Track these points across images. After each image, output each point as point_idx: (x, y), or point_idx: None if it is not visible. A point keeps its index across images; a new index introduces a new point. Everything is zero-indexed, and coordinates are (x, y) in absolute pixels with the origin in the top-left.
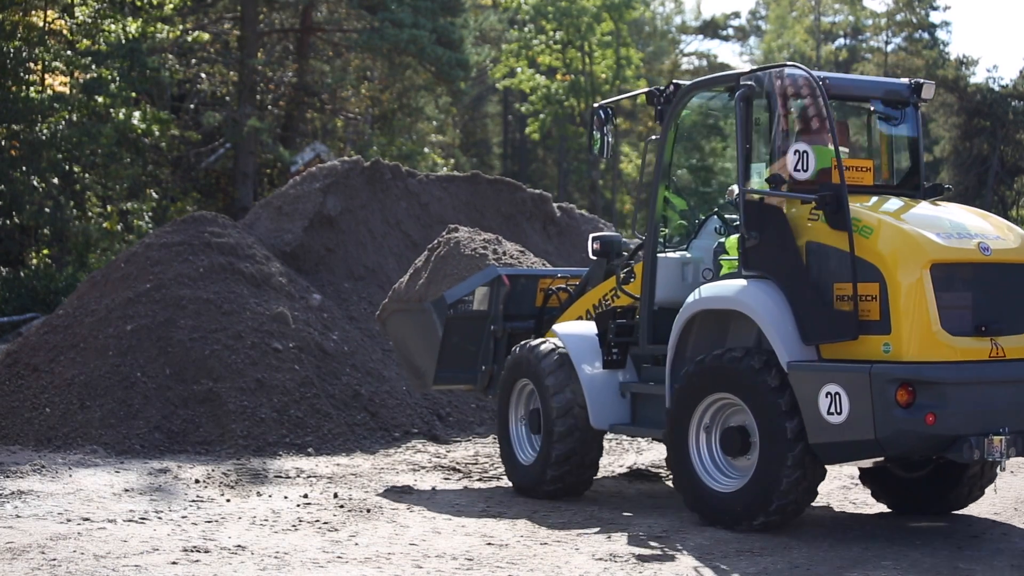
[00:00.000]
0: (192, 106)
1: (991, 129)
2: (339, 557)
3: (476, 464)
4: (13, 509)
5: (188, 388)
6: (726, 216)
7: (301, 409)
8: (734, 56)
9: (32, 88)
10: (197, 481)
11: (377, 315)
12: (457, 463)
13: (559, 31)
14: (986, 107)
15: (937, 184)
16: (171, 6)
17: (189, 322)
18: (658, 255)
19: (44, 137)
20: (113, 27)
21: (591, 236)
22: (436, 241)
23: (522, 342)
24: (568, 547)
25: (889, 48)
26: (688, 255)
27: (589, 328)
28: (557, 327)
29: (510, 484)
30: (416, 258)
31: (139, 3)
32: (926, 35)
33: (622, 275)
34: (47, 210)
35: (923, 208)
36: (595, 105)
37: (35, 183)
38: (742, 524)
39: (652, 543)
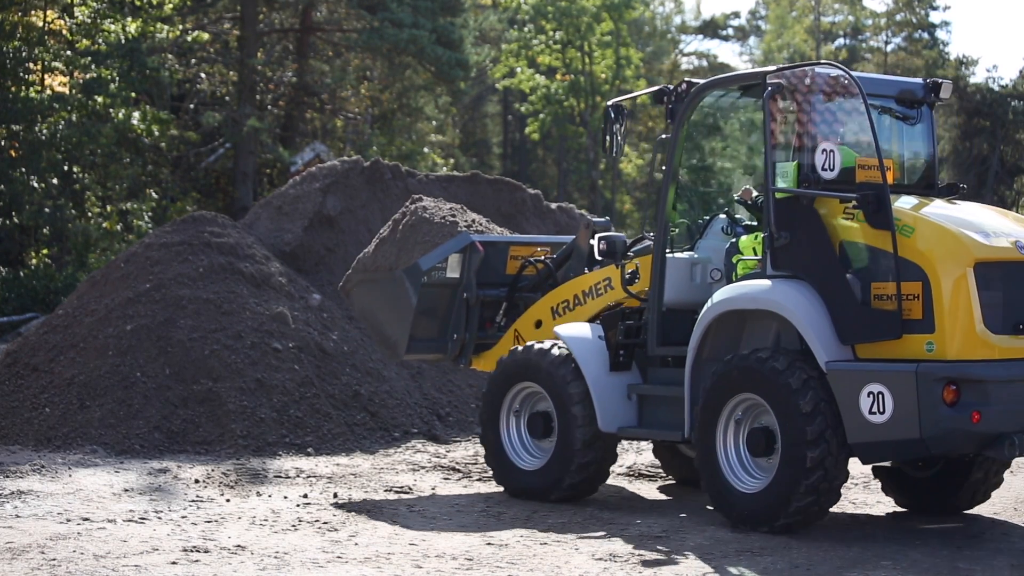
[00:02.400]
0: (192, 106)
1: (991, 129)
2: (339, 557)
3: (476, 464)
4: (13, 509)
5: (188, 388)
6: (735, 216)
7: (301, 409)
8: (734, 56)
9: (32, 88)
10: (197, 481)
11: (341, 286)
12: (457, 463)
13: (559, 31)
14: (986, 107)
15: (952, 183)
16: (171, 6)
17: (189, 322)
18: (667, 256)
19: (44, 137)
20: (113, 27)
21: (598, 236)
22: (401, 211)
23: (525, 344)
24: (568, 547)
25: (889, 48)
26: (696, 255)
27: (594, 330)
28: (560, 329)
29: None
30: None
31: (139, 3)
32: (926, 35)
33: (627, 276)
34: (47, 210)
35: (953, 208)
36: (608, 104)
37: (35, 183)
38: (765, 525)
39: (652, 543)
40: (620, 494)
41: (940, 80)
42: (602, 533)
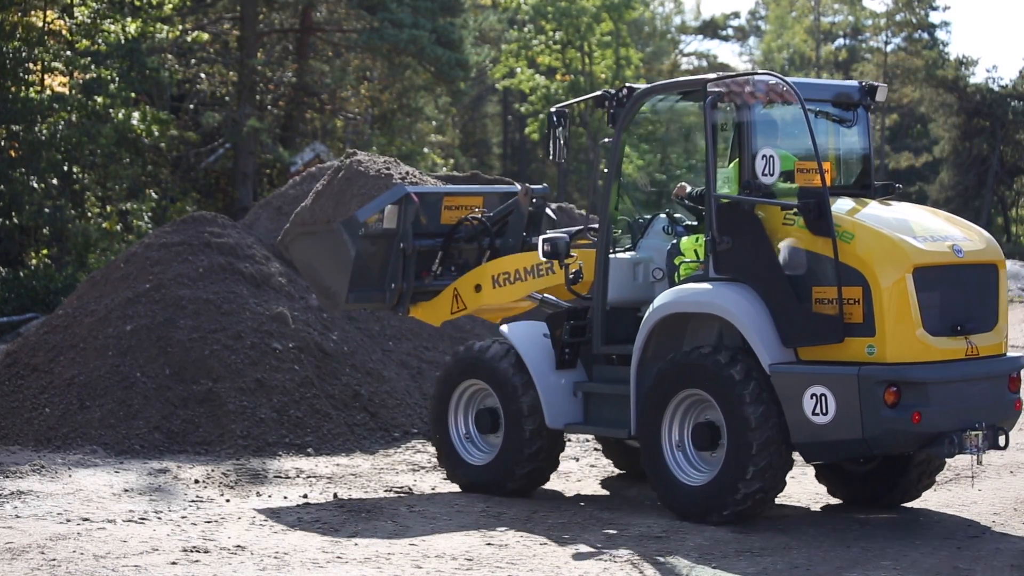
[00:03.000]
0: (192, 106)
1: (991, 129)
2: (339, 557)
3: None
4: (13, 509)
5: (188, 388)
6: (675, 216)
7: (301, 409)
8: (734, 56)
9: (31, 88)
10: (197, 481)
11: (279, 240)
12: None
13: (559, 31)
14: (986, 107)
15: (887, 183)
16: (170, 6)
17: (189, 322)
18: (609, 256)
19: (43, 137)
20: (112, 27)
21: (541, 238)
22: (336, 166)
23: (466, 344)
24: (568, 547)
25: (889, 48)
26: (638, 255)
27: (539, 329)
28: (506, 329)
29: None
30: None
31: (138, 3)
32: (926, 35)
33: (571, 275)
34: (46, 210)
35: (891, 211)
36: (551, 109)
37: (34, 183)
38: (712, 516)
39: (652, 543)
40: (620, 495)
41: (875, 84)
42: (602, 533)
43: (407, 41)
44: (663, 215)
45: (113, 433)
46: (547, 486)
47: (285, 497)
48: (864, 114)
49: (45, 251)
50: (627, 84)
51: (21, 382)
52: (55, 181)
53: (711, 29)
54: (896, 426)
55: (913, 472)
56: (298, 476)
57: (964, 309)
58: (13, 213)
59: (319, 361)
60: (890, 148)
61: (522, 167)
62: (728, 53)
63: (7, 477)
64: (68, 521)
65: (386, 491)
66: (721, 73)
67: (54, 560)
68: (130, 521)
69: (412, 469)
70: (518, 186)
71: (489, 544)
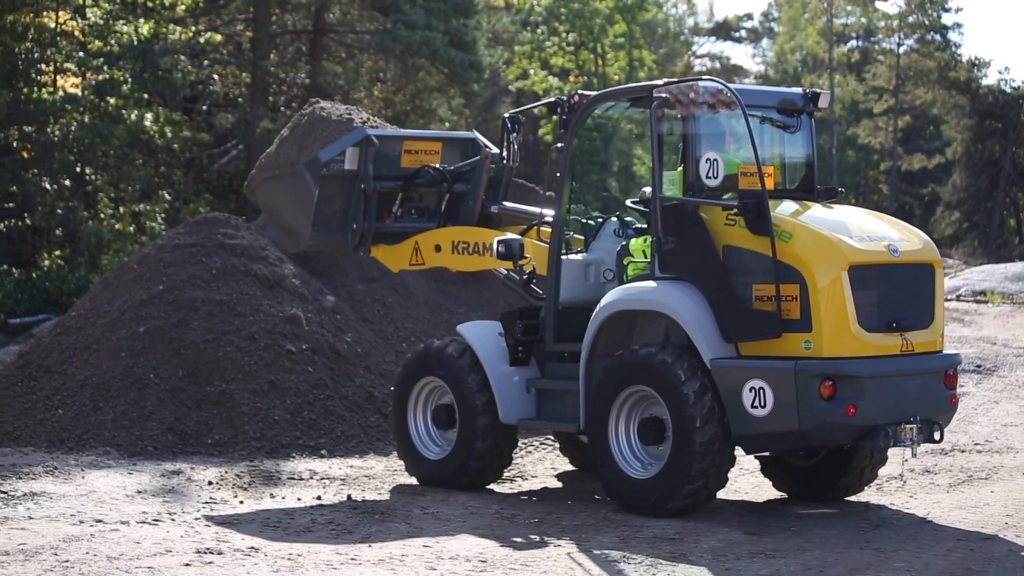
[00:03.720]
0: (205, 107)
1: (1003, 131)
2: (352, 559)
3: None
4: (26, 511)
5: (201, 390)
6: (625, 219)
7: (314, 411)
8: (747, 58)
9: (44, 90)
10: (210, 483)
11: (246, 185)
12: None
13: (572, 33)
14: (998, 109)
15: (831, 187)
16: (183, 7)
17: (202, 324)
18: (561, 257)
19: (56, 139)
20: (125, 28)
21: (496, 240)
22: (299, 114)
23: (425, 342)
24: (582, 549)
25: (901, 50)
26: (589, 256)
27: (494, 328)
28: (462, 328)
29: (524, 488)
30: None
31: (151, 4)
32: (938, 37)
33: (524, 276)
34: (59, 212)
35: (831, 212)
36: (504, 115)
37: (47, 185)
38: (657, 509)
39: (666, 545)
40: None
41: (818, 91)
42: (616, 535)
43: (420, 43)
44: (614, 218)
45: (126, 434)
46: (561, 489)
47: (299, 499)
48: (808, 120)
49: (58, 252)
50: (578, 91)
51: (34, 383)
52: (68, 182)
53: (724, 31)
54: (831, 419)
55: (856, 466)
56: (312, 478)
57: (900, 307)
58: (26, 214)
59: (333, 363)
60: (902, 150)
61: (535, 169)
62: (741, 55)
63: (20, 478)
64: (81, 523)
65: (400, 493)
66: (667, 80)
67: (67, 561)
68: (143, 523)
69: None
70: (477, 134)
71: (503, 546)
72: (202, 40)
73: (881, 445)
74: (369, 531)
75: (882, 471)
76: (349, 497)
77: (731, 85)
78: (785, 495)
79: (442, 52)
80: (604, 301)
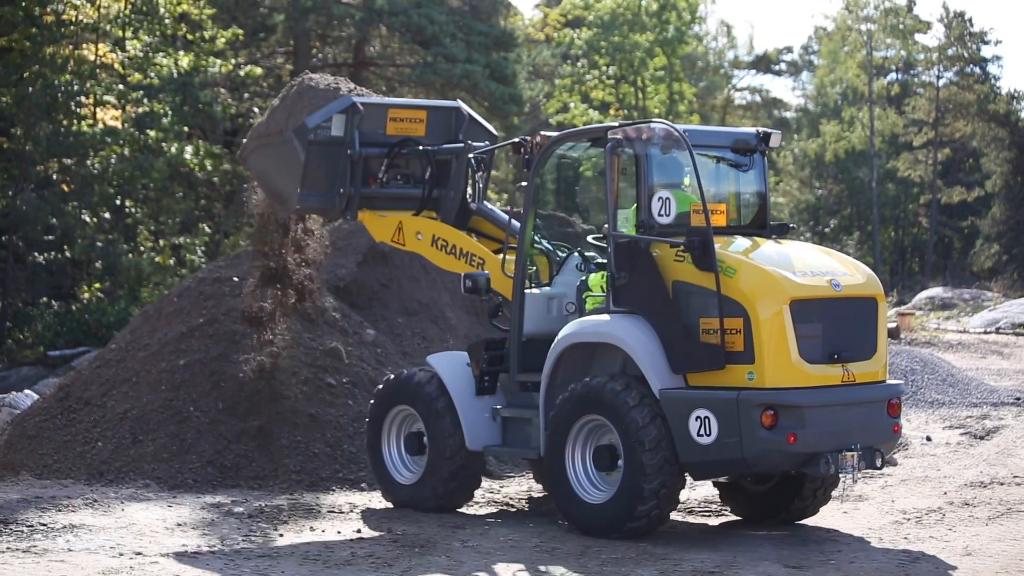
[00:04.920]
0: (245, 140)
1: None
2: None
3: (529, 499)
4: (65, 543)
5: (241, 423)
6: (586, 254)
7: (354, 444)
8: (787, 91)
9: (84, 122)
10: (250, 516)
11: (239, 154)
12: (511, 498)
13: (612, 66)
14: None
15: (783, 223)
16: (223, 40)
17: (242, 357)
18: (525, 291)
19: (96, 171)
20: (165, 61)
21: (463, 275)
22: (288, 85)
23: (396, 372)
24: None
25: (941, 83)
26: (552, 290)
27: (462, 358)
28: (431, 359)
29: (566, 521)
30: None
31: (191, 37)
32: (977, 69)
33: (491, 309)
34: (99, 244)
35: (777, 248)
36: (469, 155)
37: (87, 217)
38: (611, 532)
39: None
40: (673, 529)
41: (770, 131)
42: (655, 568)
43: (460, 76)
44: (576, 253)
45: (166, 467)
46: None
47: (339, 532)
48: (761, 159)
49: (98, 285)
50: (541, 132)
51: (74, 416)
52: (108, 215)
53: (764, 64)
54: (773, 446)
55: (808, 490)
56: (352, 511)
57: (842, 339)
58: (66, 247)
59: (373, 396)
60: (942, 183)
61: (573, 201)
62: (781, 88)
63: (60, 511)
64: (120, 555)
65: (440, 526)
66: (621, 122)
67: None
68: (183, 556)
69: (466, 504)
70: (461, 104)
71: None
72: (242, 73)
73: (822, 471)
74: (409, 564)
75: (923, 504)
76: (389, 530)
77: (683, 126)
78: (739, 518)
79: (482, 85)
80: (561, 334)
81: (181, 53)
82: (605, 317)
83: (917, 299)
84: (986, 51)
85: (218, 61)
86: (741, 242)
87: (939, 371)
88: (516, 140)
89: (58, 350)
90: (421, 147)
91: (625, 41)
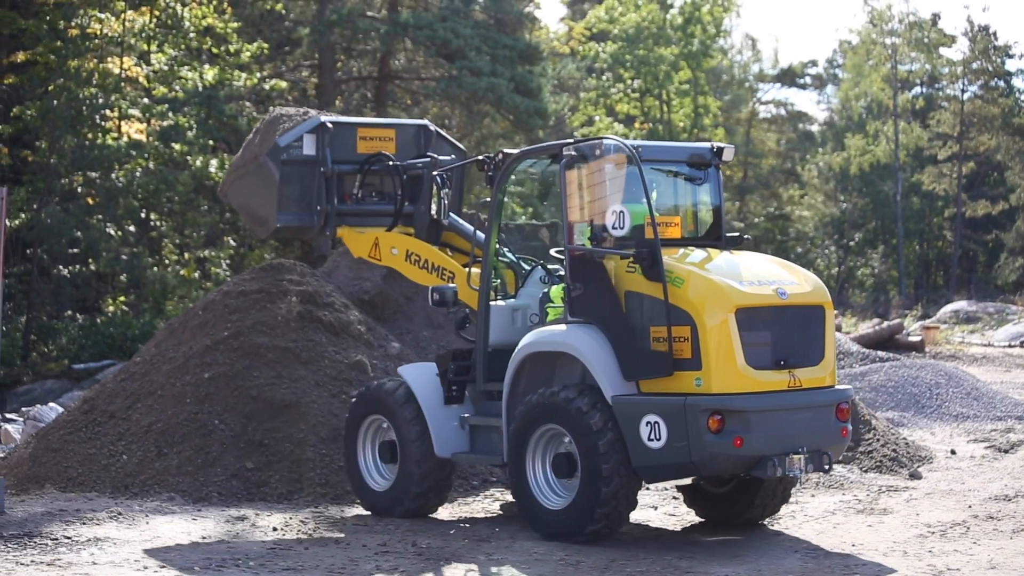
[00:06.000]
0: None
1: None
2: None
3: None
4: (90, 556)
5: (266, 436)
6: (549, 267)
7: None
8: (812, 104)
9: (109, 135)
10: (275, 529)
11: (219, 191)
12: None
13: (637, 79)
14: None
15: (737, 235)
16: (248, 54)
17: (267, 370)
18: (491, 303)
19: (121, 184)
20: (190, 75)
21: (431, 289)
22: (262, 119)
23: (369, 383)
24: None
25: (965, 96)
26: (517, 302)
27: (432, 369)
28: (402, 369)
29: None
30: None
31: (216, 51)
32: (1002, 83)
33: (457, 321)
34: (124, 257)
35: (726, 258)
36: (433, 172)
37: (112, 230)
38: (571, 536)
39: None
40: (699, 543)
41: (723, 145)
42: None
43: (485, 89)
44: (540, 266)
45: (191, 480)
46: (625, 534)
47: (364, 545)
48: (716, 172)
49: (123, 298)
50: (503, 150)
51: (99, 429)
52: (132, 228)
53: (789, 77)
54: (719, 450)
55: (766, 492)
56: (376, 524)
57: (789, 346)
58: (91, 260)
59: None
60: (967, 196)
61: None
62: (806, 101)
63: (85, 524)
64: (145, 568)
65: (465, 539)
66: (575, 139)
67: None
68: (207, 569)
69: (490, 518)
70: (429, 123)
71: None
72: (267, 86)
73: (769, 474)
74: None
75: (948, 517)
76: (414, 543)
77: (638, 143)
78: (703, 520)
79: (507, 99)
80: (521, 344)
81: (206, 66)
82: (562, 327)
83: (942, 313)
84: (1010, 65)
85: (243, 74)
86: (692, 253)
87: (964, 385)
88: (480, 157)
89: (83, 363)
90: (391, 162)
91: (650, 54)
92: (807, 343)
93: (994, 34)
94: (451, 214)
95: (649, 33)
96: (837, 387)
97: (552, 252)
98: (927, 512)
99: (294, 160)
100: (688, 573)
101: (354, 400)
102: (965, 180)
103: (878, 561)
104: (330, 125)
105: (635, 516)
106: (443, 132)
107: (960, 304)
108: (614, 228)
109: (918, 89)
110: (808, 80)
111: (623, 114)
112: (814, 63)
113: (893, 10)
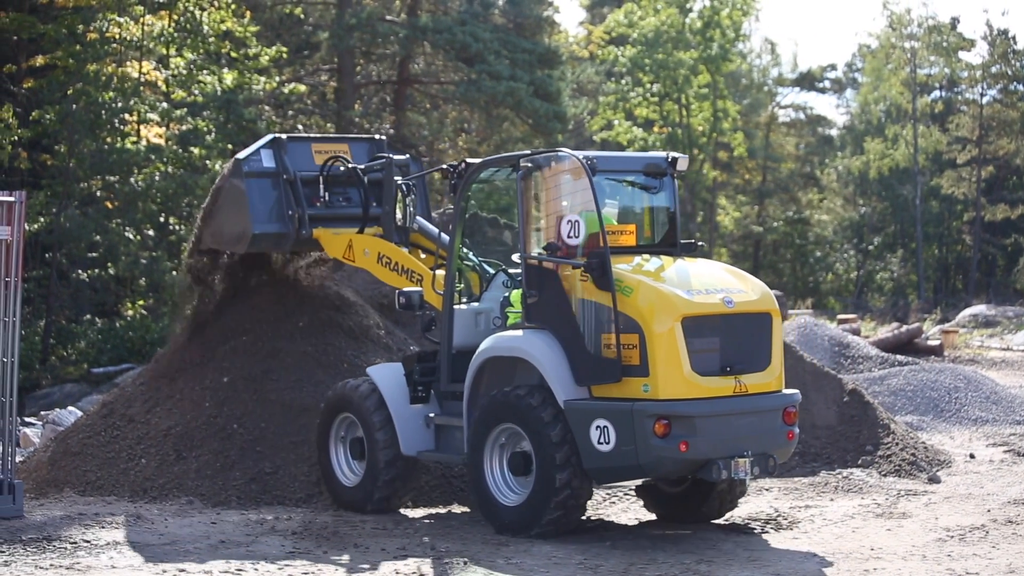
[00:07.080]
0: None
1: None
2: None
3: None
4: (109, 560)
5: (285, 440)
6: (511, 272)
7: None
8: (831, 108)
9: (127, 139)
10: (294, 533)
11: (191, 249)
12: None
13: (656, 83)
14: None
15: (690, 241)
16: (267, 58)
17: (286, 374)
18: (454, 307)
19: (140, 188)
20: (209, 79)
21: (397, 292)
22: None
23: (341, 382)
24: None
25: (984, 100)
26: (480, 306)
27: (399, 370)
28: (370, 370)
29: (607, 540)
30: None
31: (235, 55)
32: (1021, 87)
33: (424, 323)
34: (143, 261)
35: (678, 267)
36: (399, 181)
37: (131, 234)
38: (527, 530)
39: None
40: (716, 547)
41: (677, 155)
42: None
43: (505, 93)
44: (502, 271)
45: (210, 484)
46: (642, 539)
47: (383, 549)
48: (671, 181)
49: (141, 302)
50: (465, 160)
51: (117, 433)
52: (151, 232)
53: (808, 81)
54: (666, 454)
55: (720, 492)
56: (396, 528)
57: (735, 352)
58: (109, 264)
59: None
60: (985, 200)
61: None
62: (825, 105)
63: (103, 527)
64: (164, 572)
65: (484, 543)
66: (532, 151)
67: None
68: (226, 573)
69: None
70: (381, 136)
71: None
72: (286, 90)
73: (715, 477)
74: None
75: (967, 521)
76: (433, 547)
77: (595, 154)
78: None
79: (526, 103)
80: (480, 348)
81: (225, 71)
82: (519, 332)
83: (961, 316)
84: None
85: (262, 79)
86: (644, 262)
87: (983, 389)
88: (445, 166)
89: (101, 367)
90: (350, 164)
91: (669, 59)
92: (753, 350)
93: (1013, 38)
94: (418, 218)
95: (668, 37)
96: (784, 392)
97: (513, 258)
98: (946, 516)
99: (255, 172)
100: None
101: (327, 398)
102: (984, 184)
103: (897, 565)
104: (284, 138)
105: (648, 516)
106: (392, 147)
107: (979, 308)
108: (569, 237)
109: (937, 93)
110: (827, 84)
111: (642, 118)
112: (833, 67)
113: (912, 14)
